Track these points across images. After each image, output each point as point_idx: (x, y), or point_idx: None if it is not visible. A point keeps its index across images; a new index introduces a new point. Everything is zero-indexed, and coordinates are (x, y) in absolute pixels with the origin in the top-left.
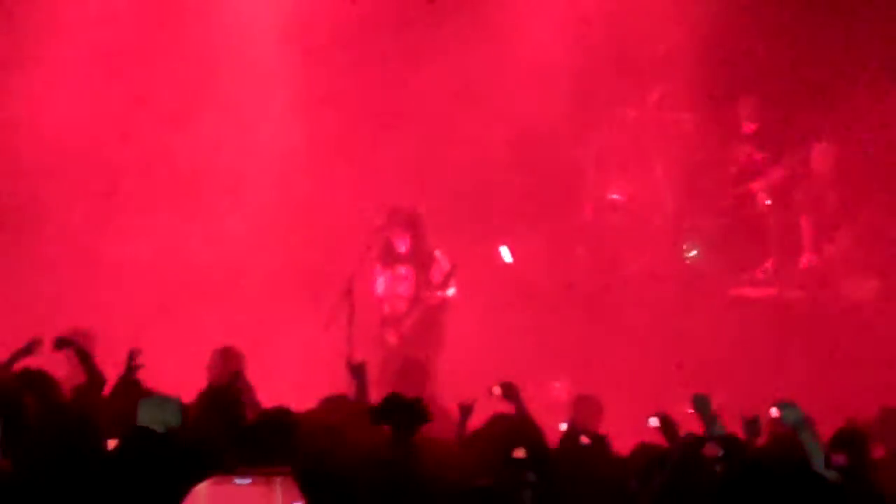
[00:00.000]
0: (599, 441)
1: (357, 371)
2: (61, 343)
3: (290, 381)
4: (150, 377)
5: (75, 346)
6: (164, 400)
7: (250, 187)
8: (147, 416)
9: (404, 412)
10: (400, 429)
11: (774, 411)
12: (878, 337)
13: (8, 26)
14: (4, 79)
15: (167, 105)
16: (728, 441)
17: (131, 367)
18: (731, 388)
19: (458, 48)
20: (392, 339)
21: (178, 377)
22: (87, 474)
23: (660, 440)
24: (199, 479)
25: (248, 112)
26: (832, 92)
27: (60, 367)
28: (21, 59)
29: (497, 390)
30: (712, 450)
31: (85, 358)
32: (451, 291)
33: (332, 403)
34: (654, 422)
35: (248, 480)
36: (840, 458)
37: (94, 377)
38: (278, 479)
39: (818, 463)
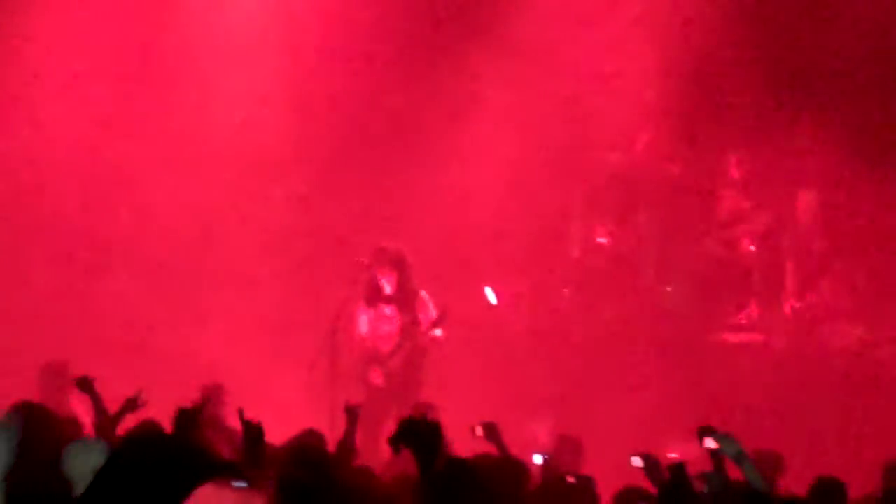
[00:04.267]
0: (585, 481)
1: (350, 413)
2: (83, 384)
3: (273, 420)
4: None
5: (92, 389)
6: (90, 444)
7: (238, 222)
8: (73, 461)
9: (428, 436)
10: (423, 454)
11: (711, 442)
12: (858, 384)
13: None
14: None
15: (159, 151)
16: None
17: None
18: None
19: (447, 92)
20: (376, 378)
21: (160, 412)
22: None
23: (643, 482)
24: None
25: (237, 150)
26: (817, 139)
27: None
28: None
29: (479, 430)
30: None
31: (97, 400)
32: (437, 332)
33: (309, 437)
34: (636, 461)
35: (244, 484)
36: None
37: (106, 418)
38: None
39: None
